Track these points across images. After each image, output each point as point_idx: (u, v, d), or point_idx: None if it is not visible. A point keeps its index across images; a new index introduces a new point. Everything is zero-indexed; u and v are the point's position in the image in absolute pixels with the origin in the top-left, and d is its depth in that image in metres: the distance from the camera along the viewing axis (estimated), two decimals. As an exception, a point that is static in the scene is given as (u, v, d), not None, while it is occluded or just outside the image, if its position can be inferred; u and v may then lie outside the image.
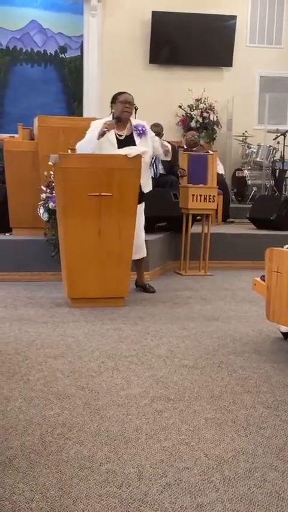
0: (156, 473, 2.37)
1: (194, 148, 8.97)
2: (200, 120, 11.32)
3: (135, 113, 8.93)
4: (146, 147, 5.34)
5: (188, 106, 11.37)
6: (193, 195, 6.65)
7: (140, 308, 5.20)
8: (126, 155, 5.05)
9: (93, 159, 5.08)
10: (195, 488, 2.27)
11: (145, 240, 6.32)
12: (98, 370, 3.59)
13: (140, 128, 5.49)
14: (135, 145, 5.33)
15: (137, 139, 5.45)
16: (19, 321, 4.68)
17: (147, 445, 2.61)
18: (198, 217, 7.07)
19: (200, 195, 6.68)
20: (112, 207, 5.02)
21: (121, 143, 5.32)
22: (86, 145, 5.22)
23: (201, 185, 6.86)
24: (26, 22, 11.07)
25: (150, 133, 5.60)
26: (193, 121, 11.31)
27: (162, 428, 2.80)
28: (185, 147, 9.23)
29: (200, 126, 11.33)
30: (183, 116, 11.41)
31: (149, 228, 6.84)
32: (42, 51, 11.25)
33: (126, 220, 5.10)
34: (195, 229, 7.01)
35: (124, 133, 5.43)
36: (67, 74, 11.38)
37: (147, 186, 5.57)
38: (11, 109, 10.76)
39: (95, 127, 5.29)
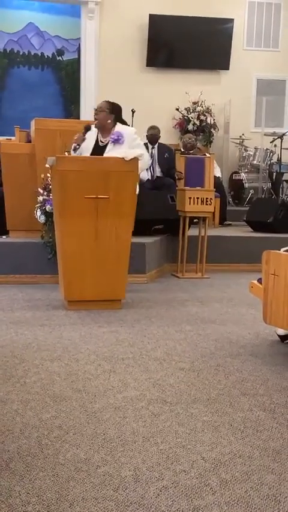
0: (153, 476, 2.37)
1: (191, 151, 9.00)
2: (197, 123, 11.34)
3: (132, 116, 9.00)
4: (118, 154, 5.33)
5: (185, 109, 11.39)
6: (190, 198, 6.65)
7: (136, 311, 5.20)
8: (123, 158, 5.05)
9: (90, 161, 5.09)
10: (192, 491, 2.27)
11: (143, 243, 6.34)
12: (94, 372, 3.59)
13: (114, 136, 5.50)
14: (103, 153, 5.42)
15: (109, 146, 5.51)
16: (16, 323, 4.67)
17: (144, 448, 2.61)
18: (195, 220, 7.08)
19: (197, 198, 6.68)
20: (109, 209, 5.02)
21: (96, 150, 5.47)
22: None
23: (198, 188, 6.87)
24: (24, 25, 11.09)
25: (132, 141, 5.53)
26: (190, 124, 11.32)
27: (159, 431, 2.79)
28: (182, 150, 9.25)
29: (197, 129, 11.34)
30: (180, 118, 11.42)
31: (146, 231, 6.86)
32: (40, 54, 11.26)
33: (123, 223, 5.09)
34: (192, 232, 7.01)
35: (106, 140, 5.49)
36: (64, 76, 11.39)
37: None
38: (8, 111, 10.77)
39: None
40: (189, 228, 6.95)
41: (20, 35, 11.11)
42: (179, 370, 3.68)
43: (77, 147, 5.56)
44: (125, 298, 5.30)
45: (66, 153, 5.56)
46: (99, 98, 10.81)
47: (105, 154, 5.47)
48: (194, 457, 2.53)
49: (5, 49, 11.13)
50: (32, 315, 4.93)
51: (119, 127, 5.59)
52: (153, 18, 11.00)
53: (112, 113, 5.62)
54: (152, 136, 8.42)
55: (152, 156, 8.26)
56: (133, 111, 9.08)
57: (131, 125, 8.81)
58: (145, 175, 8.12)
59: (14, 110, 10.59)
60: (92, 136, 5.61)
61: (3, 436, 2.68)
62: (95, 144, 5.58)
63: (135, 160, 5.09)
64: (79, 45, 11.25)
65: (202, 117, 11.34)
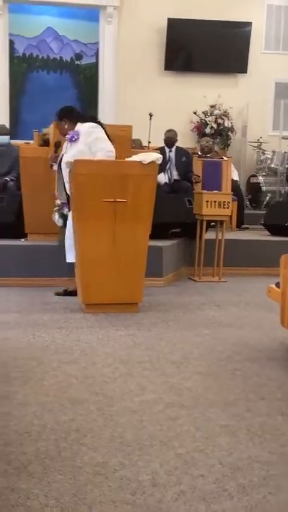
0: (170, 481, 2.36)
1: (208, 155, 8.98)
2: (215, 126, 11.33)
3: (150, 119, 9.01)
4: (72, 153, 5.29)
5: (203, 112, 11.38)
6: (207, 201, 6.65)
7: (153, 314, 5.20)
8: (141, 161, 5.06)
9: (108, 165, 5.10)
10: (209, 496, 2.26)
11: (160, 246, 6.34)
12: (111, 376, 3.60)
13: (69, 135, 5.45)
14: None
15: (66, 146, 5.49)
16: (33, 326, 4.69)
17: (162, 452, 2.61)
18: (213, 224, 7.06)
19: (214, 201, 6.67)
20: (126, 213, 5.03)
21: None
22: None
23: (215, 191, 6.85)
24: (43, 29, 11.13)
25: (88, 137, 5.34)
26: (208, 127, 11.31)
27: (176, 435, 2.79)
28: (200, 153, 9.24)
29: (215, 132, 11.34)
30: (197, 122, 11.42)
31: (163, 234, 6.86)
32: (58, 58, 11.30)
33: (141, 226, 5.10)
34: (210, 235, 7.00)
35: None
36: (82, 80, 11.43)
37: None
38: (27, 116, 10.82)
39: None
40: (206, 232, 6.94)
41: (39, 40, 11.16)
42: (196, 373, 3.68)
43: (53, 164, 5.64)
44: (142, 301, 5.30)
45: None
46: (117, 102, 10.90)
47: (62, 154, 5.47)
48: (212, 462, 2.53)
49: (24, 53, 11.19)
50: (49, 318, 4.95)
51: (78, 126, 5.44)
52: (171, 22, 11.01)
53: (62, 118, 5.57)
54: (169, 140, 8.43)
55: (169, 159, 8.27)
56: (151, 115, 9.10)
57: (148, 129, 8.88)
58: (162, 178, 8.12)
59: (32, 113, 10.63)
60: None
61: (21, 439, 2.70)
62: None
63: (153, 164, 5.10)
64: (97, 49, 11.29)
65: (220, 121, 11.33)
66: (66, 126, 5.51)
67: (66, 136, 5.47)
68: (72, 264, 5.39)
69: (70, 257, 5.40)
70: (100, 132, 5.40)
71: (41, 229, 6.53)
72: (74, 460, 2.51)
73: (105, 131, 5.48)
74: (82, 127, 5.40)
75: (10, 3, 10.81)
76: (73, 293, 5.53)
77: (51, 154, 5.71)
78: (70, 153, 5.32)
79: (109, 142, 5.38)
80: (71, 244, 5.32)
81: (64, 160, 5.27)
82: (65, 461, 2.50)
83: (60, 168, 5.47)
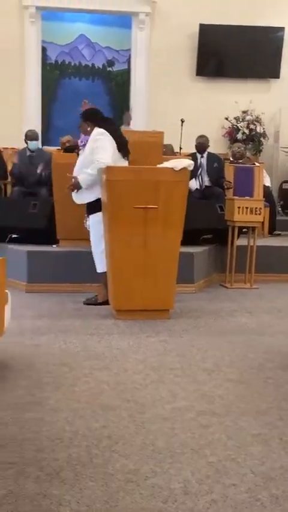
0: (202, 489, 2.35)
1: (240, 161, 8.94)
2: (247, 132, 11.27)
3: (182, 125, 9.02)
4: (81, 159, 5.41)
5: (235, 118, 11.33)
6: (239, 208, 6.61)
7: (184, 320, 5.18)
8: (172, 168, 5.06)
9: (139, 171, 5.11)
10: (242, 505, 2.24)
11: (191, 253, 6.32)
12: (143, 382, 3.59)
13: (80, 140, 5.54)
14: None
15: (81, 150, 5.60)
16: (65, 332, 4.71)
17: (193, 460, 2.60)
18: (244, 230, 7.03)
19: (246, 208, 6.63)
20: (158, 219, 5.03)
21: None
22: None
23: (247, 197, 6.81)
24: (75, 36, 11.22)
25: (93, 143, 5.35)
26: (239, 133, 11.26)
27: (208, 443, 2.77)
28: (231, 159, 9.20)
29: (247, 138, 11.28)
30: (229, 128, 11.38)
31: (194, 240, 6.85)
32: (90, 65, 11.37)
33: (172, 233, 5.10)
34: (241, 241, 6.96)
35: None
36: (114, 87, 11.48)
37: (80, 198, 5.57)
38: (59, 122, 10.91)
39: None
40: (238, 238, 6.90)
41: (72, 47, 11.25)
42: (228, 381, 3.65)
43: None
44: (173, 307, 5.29)
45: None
46: (149, 108, 10.92)
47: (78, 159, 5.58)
48: (244, 471, 2.51)
49: (57, 61, 11.29)
50: (80, 324, 4.97)
51: (94, 131, 5.46)
52: (203, 27, 11.00)
53: (86, 120, 5.58)
54: (200, 145, 8.42)
55: (200, 165, 8.26)
56: (182, 121, 9.10)
57: (180, 134, 8.89)
58: (194, 184, 8.12)
59: (64, 120, 10.70)
60: None
61: (53, 444, 2.71)
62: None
63: (185, 170, 5.09)
64: (129, 55, 11.33)
65: (252, 126, 11.27)
66: (88, 129, 5.53)
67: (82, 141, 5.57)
68: (102, 273, 5.42)
69: (100, 267, 5.44)
70: (104, 141, 5.33)
71: (73, 235, 6.57)
72: (105, 466, 2.51)
73: (119, 136, 5.49)
74: (92, 133, 5.42)
75: (43, 11, 10.93)
76: (103, 303, 5.52)
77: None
78: (80, 158, 5.42)
79: (108, 153, 5.28)
80: (98, 253, 5.35)
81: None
82: (97, 468, 2.50)
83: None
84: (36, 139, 8.11)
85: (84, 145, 5.54)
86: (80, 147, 5.65)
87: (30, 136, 8.07)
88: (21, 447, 2.67)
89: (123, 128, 7.70)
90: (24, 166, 7.94)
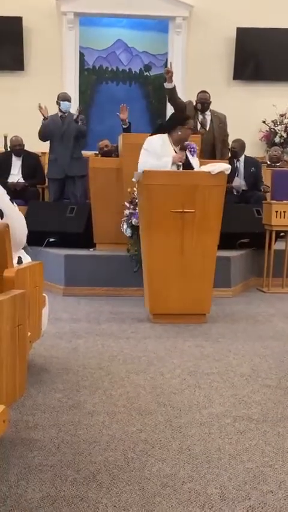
0: (239, 495, 2.33)
1: (277, 164, 8.88)
2: (284, 135, 11.19)
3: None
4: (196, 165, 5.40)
5: (272, 121, 11.26)
6: (277, 212, 6.56)
7: (221, 325, 5.16)
8: (209, 172, 5.05)
9: (176, 176, 5.11)
10: (279, 512, 2.22)
11: (228, 257, 6.29)
12: (179, 387, 3.59)
13: (192, 147, 5.49)
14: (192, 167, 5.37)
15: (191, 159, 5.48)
16: (102, 335, 4.74)
17: (230, 466, 2.58)
18: (282, 234, 6.97)
19: (284, 212, 6.57)
20: (195, 223, 5.02)
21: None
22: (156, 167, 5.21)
23: (285, 201, 6.75)
24: (112, 41, 11.29)
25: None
26: (277, 136, 11.18)
27: (245, 449, 2.75)
28: (269, 162, 9.14)
29: (284, 141, 11.18)
30: (266, 131, 11.30)
31: (231, 244, 6.81)
32: (127, 70, 11.42)
33: (209, 237, 5.08)
34: (279, 245, 6.90)
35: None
36: (151, 91, 11.50)
37: None
38: (96, 127, 10.97)
39: (157, 146, 5.33)
40: (275, 242, 6.84)
41: (109, 52, 11.32)
42: (266, 387, 3.62)
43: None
44: (210, 312, 5.27)
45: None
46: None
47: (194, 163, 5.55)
48: (282, 478, 2.48)
49: (94, 66, 11.37)
50: (117, 328, 4.99)
51: None
52: (240, 31, 10.96)
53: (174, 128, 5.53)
54: (233, 149, 8.36)
55: (236, 169, 8.20)
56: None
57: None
58: (239, 184, 8.04)
59: (102, 125, 10.78)
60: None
61: (90, 448, 2.72)
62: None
63: (222, 174, 5.07)
64: (166, 60, 11.35)
65: (289, 129, 11.18)
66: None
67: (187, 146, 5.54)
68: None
69: None
70: (147, 145, 5.37)
71: (110, 239, 6.61)
72: (142, 471, 2.51)
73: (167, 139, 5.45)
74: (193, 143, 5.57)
75: (81, 16, 11.03)
76: None
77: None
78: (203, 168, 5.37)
79: (146, 157, 5.29)
80: None
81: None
82: (133, 471, 2.50)
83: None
84: (68, 100, 8.04)
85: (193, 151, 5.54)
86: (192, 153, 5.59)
87: (62, 97, 8.01)
88: (59, 450, 2.69)
89: None
90: (53, 124, 7.91)
